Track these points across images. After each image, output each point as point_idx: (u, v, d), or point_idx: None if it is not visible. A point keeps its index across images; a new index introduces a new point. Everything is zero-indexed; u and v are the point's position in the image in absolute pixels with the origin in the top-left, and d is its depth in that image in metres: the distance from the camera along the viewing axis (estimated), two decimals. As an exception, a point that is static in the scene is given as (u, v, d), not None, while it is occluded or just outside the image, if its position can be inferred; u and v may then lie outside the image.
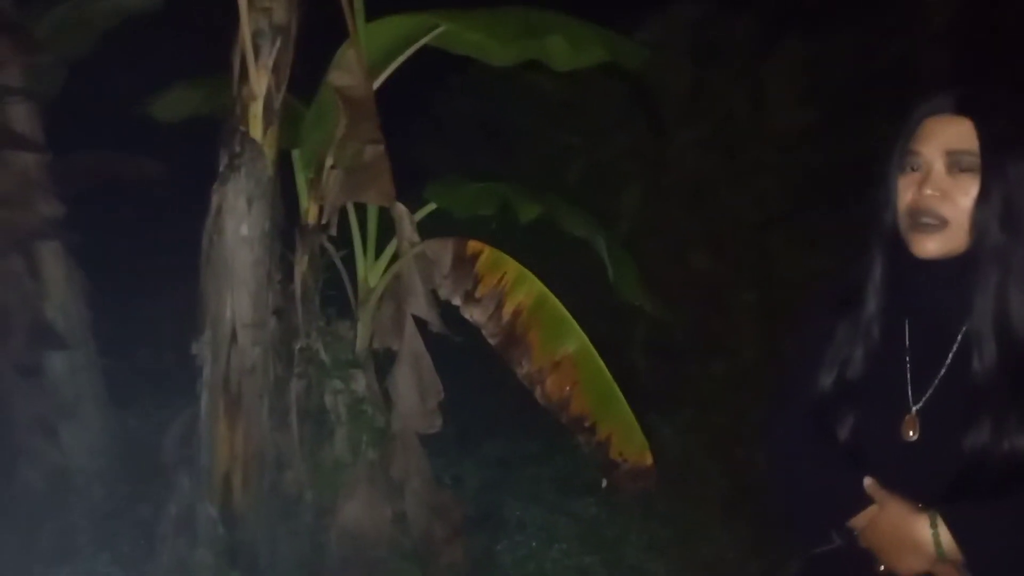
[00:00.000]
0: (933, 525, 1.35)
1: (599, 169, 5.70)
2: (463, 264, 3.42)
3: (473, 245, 3.44)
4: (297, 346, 3.40)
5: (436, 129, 6.26)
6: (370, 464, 3.44)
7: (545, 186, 3.88)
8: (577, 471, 4.10)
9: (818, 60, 5.54)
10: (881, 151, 1.48)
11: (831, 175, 5.14)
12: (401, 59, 3.48)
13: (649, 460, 3.27)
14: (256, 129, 3.22)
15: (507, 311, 3.36)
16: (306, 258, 3.43)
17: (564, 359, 3.33)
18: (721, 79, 5.65)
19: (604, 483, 3.42)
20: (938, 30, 5.76)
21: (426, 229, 3.56)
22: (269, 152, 3.25)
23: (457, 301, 3.44)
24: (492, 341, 3.40)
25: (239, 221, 3.21)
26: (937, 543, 1.34)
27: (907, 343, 1.45)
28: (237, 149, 3.21)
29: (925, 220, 1.38)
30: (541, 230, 3.58)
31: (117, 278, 4.72)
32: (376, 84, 3.40)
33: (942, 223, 1.38)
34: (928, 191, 1.38)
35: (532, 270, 3.43)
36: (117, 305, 4.59)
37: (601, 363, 3.31)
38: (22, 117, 4.04)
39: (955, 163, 1.38)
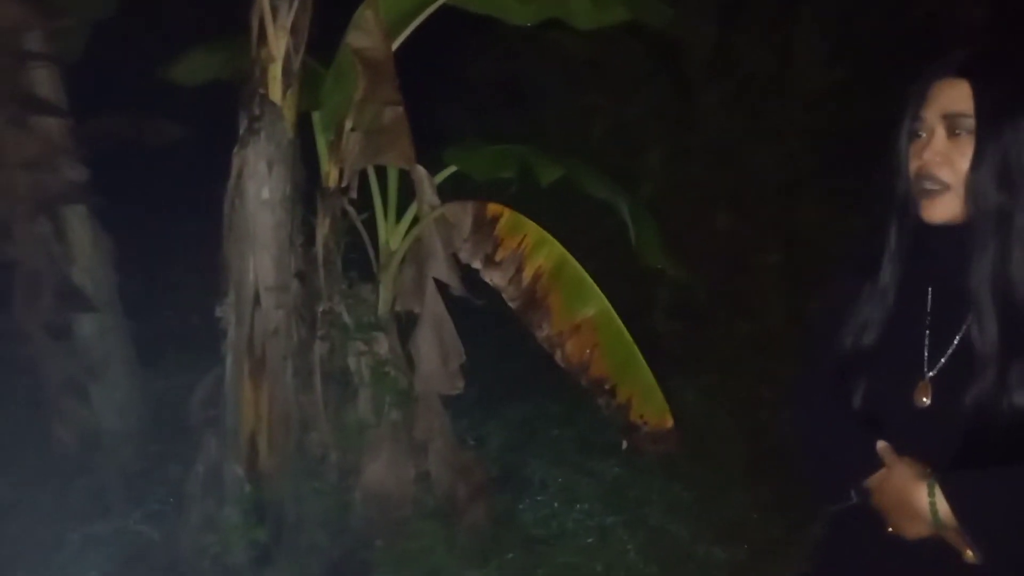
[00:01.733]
0: (931, 494, 1.35)
1: (622, 130, 5.64)
2: (483, 227, 3.41)
3: (493, 208, 3.42)
4: (320, 309, 3.42)
5: (456, 90, 6.21)
6: (393, 425, 3.47)
7: (567, 147, 3.86)
8: (599, 432, 4.11)
9: (846, 17, 5.42)
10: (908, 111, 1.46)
11: (859, 135, 5.04)
12: (420, 19, 3.44)
13: (670, 423, 3.27)
14: (275, 91, 3.21)
15: (527, 274, 3.35)
16: (327, 221, 3.43)
17: (584, 322, 3.32)
18: (747, 37, 5.54)
19: (624, 445, 3.42)
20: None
21: (448, 191, 3.55)
22: (288, 115, 3.24)
23: (477, 265, 3.43)
24: (512, 304, 3.40)
25: (260, 184, 3.22)
26: (934, 511, 1.35)
27: (928, 309, 1.44)
28: (256, 112, 3.20)
29: (928, 185, 1.39)
30: (563, 192, 3.55)
31: (142, 241, 4.76)
32: (395, 45, 3.37)
33: (944, 188, 1.38)
34: (929, 156, 1.39)
35: (553, 233, 3.42)
36: (143, 268, 4.64)
37: (622, 326, 3.30)
38: (45, 82, 4.06)
39: (953, 126, 1.37)
